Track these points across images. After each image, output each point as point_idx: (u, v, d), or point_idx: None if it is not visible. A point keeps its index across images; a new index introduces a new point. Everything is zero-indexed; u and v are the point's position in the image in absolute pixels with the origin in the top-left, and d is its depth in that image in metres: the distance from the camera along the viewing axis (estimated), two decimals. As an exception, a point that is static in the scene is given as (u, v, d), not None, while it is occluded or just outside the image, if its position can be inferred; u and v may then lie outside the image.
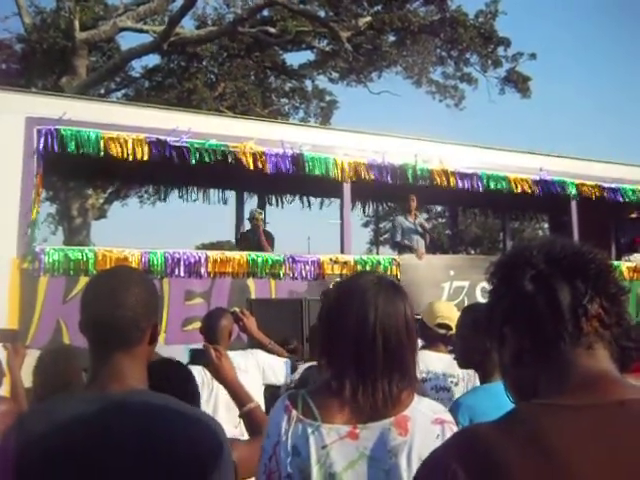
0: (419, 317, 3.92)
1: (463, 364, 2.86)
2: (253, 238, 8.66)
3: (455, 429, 1.75)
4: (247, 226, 9.45)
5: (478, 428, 1.06)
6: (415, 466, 1.61)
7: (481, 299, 8.03)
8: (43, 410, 1.66)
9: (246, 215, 10.19)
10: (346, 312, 1.78)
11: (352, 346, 1.74)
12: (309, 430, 1.72)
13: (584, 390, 1.04)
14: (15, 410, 3.12)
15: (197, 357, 2.90)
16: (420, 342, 3.86)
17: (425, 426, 1.72)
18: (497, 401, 2.45)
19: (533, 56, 21.37)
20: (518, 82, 21.30)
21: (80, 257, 6.39)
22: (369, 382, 1.72)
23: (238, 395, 2.44)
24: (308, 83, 24.19)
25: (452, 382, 3.54)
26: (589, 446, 0.95)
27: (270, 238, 8.96)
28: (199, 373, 3.83)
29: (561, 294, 1.09)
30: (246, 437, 2.42)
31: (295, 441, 1.72)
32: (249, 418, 2.37)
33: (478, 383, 2.83)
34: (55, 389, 2.66)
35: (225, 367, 2.43)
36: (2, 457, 1.59)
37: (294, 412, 1.75)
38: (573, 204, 9.17)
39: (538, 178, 8.94)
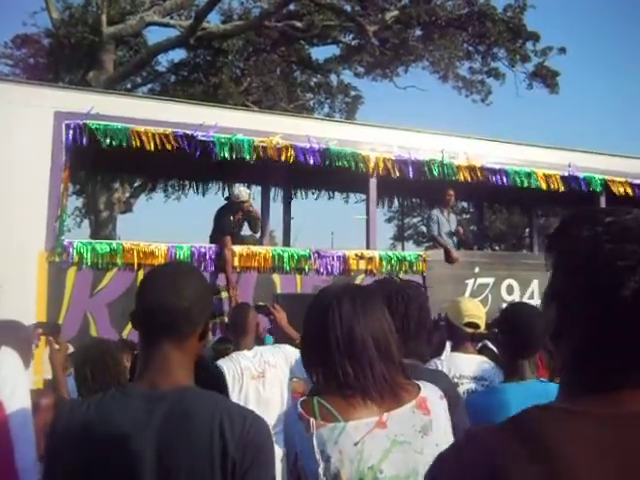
0: (444, 316, 3.89)
1: (506, 361, 2.87)
2: (235, 225, 7.62)
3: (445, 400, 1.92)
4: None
5: (480, 430, 1.01)
6: (441, 439, 1.75)
7: (506, 296, 7.97)
8: (94, 403, 1.65)
9: (272, 208, 10.01)
10: (329, 323, 1.85)
11: (346, 350, 1.82)
12: (335, 433, 1.71)
13: (605, 398, 0.96)
14: (58, 403, 3.16)
15: (260, 309, 4.50)
16: (448, 343, 3.84)
17: (438, 402, 1.87)
18: (501, 400, 2.51)
19: (563, 50, 21.04)
20: (547, 77, 21.03)
21: (108, 250, 6.45)
22: (368, 371, 1.80)
23: (290, 335, 4.08)
24: (333, 78, 24.15)
25: (484, 386, 3.48)
26: (596, 460, 0.89)
27: (255, 225, 8.15)
28: (230, 370, 3.88)
29: None
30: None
31: (322, 447, 1.70)
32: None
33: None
34: (105, 382, 2.68)
35: (280, 316, 4.21)
36: (50, 445, 1.61)
37: (312, 420, 1.73)
38: (602, 200, 9.05)
39: (566, 174, 8.84)
